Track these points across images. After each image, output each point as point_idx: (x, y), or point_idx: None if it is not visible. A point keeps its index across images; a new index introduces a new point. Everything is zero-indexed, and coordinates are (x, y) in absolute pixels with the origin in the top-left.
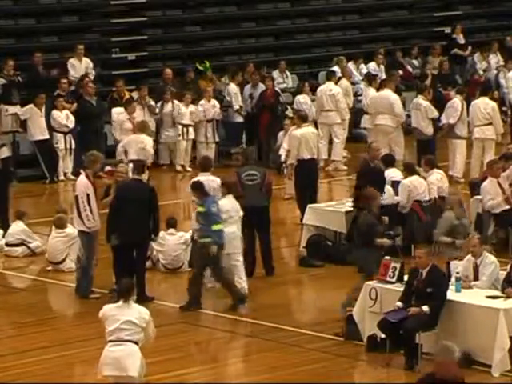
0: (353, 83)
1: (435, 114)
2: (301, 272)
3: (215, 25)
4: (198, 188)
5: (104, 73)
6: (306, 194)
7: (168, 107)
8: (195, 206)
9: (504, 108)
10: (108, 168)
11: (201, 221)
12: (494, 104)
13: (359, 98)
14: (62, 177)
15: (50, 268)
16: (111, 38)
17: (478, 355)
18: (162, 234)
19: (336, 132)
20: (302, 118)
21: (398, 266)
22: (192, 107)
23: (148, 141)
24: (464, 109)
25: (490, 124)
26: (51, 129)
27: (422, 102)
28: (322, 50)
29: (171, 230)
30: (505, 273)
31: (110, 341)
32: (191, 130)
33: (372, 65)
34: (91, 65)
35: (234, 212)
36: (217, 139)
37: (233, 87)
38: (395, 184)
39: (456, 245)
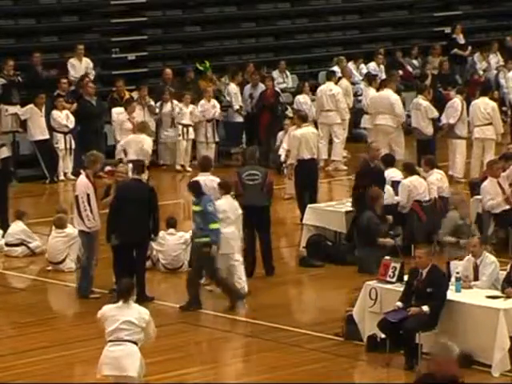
0: (353, 83)
1: (435, 114)
2: (301, 272)
3: (215, 25)
4: (195, 187)
5: (104, 73)
6: (306, 194)
7: (167, 107)
8: None
9: (504, 108)
10: (108, 168)
11: (197, 220)
12: (494, 104)
13: (359, 98)
14: (62, 177)
15: (49, 268)
16: (111, 37)
17: (478, 355)
18: (161, 233)
19: (336, 132)
20: (302, 118)
21: (398, 266)
22: (192, 107)
23: (146, 140)
24: (464, 109)
25: (490, 124)
26: (51, 129)
27: (422, 102)
28: (322, 50)
29: (171, 230)
30: (505, 273)
31: (110, 341)
32: (191, 130)
33: (372, 65)
34: (91, 65)
35: (231, 212)
36: (217, 139)
37: (233, 87)
38: (395, 184)
39: (460, 245)
